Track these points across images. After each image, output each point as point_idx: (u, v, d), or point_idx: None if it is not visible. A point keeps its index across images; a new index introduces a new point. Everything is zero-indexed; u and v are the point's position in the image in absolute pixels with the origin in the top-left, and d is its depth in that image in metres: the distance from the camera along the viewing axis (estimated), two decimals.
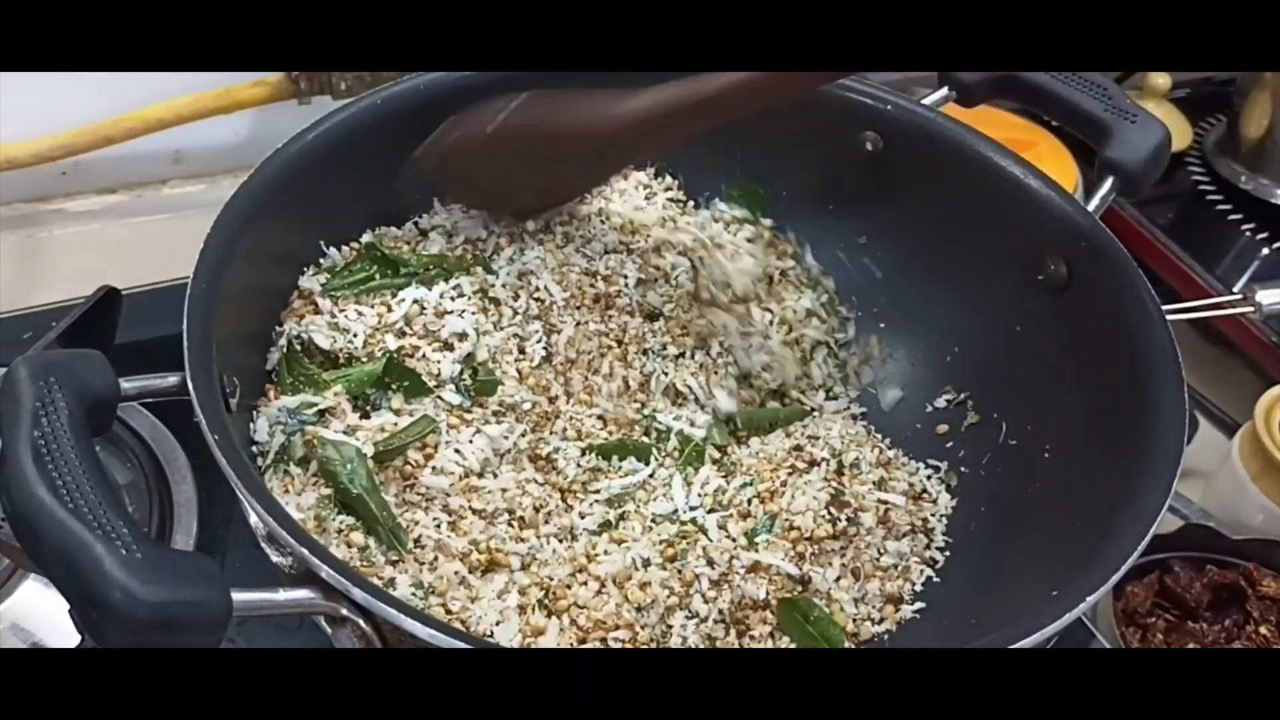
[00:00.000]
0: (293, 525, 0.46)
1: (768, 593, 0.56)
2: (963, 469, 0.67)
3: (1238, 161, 0.99)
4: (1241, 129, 0.99)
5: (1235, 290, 0.84)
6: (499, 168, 0.64)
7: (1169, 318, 0.58)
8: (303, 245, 0.63)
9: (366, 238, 0.66)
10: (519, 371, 0.62)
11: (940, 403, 0.70)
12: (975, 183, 0.67)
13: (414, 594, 0.52)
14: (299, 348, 0.59)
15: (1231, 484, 0.78)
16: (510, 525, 0.57)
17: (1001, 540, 0.62)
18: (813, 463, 0.63)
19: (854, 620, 0.59)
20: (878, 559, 0.61)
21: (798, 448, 0.64)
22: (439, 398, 0.59)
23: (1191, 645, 0.69)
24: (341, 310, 0.61)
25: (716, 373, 0.67)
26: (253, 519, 0.49)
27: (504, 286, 0.64)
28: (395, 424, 0.57)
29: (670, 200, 0.74)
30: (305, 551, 0.44)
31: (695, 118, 0.61)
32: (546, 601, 0.54)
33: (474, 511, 0.56)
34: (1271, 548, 0.72)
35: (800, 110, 0.70)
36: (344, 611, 0.44)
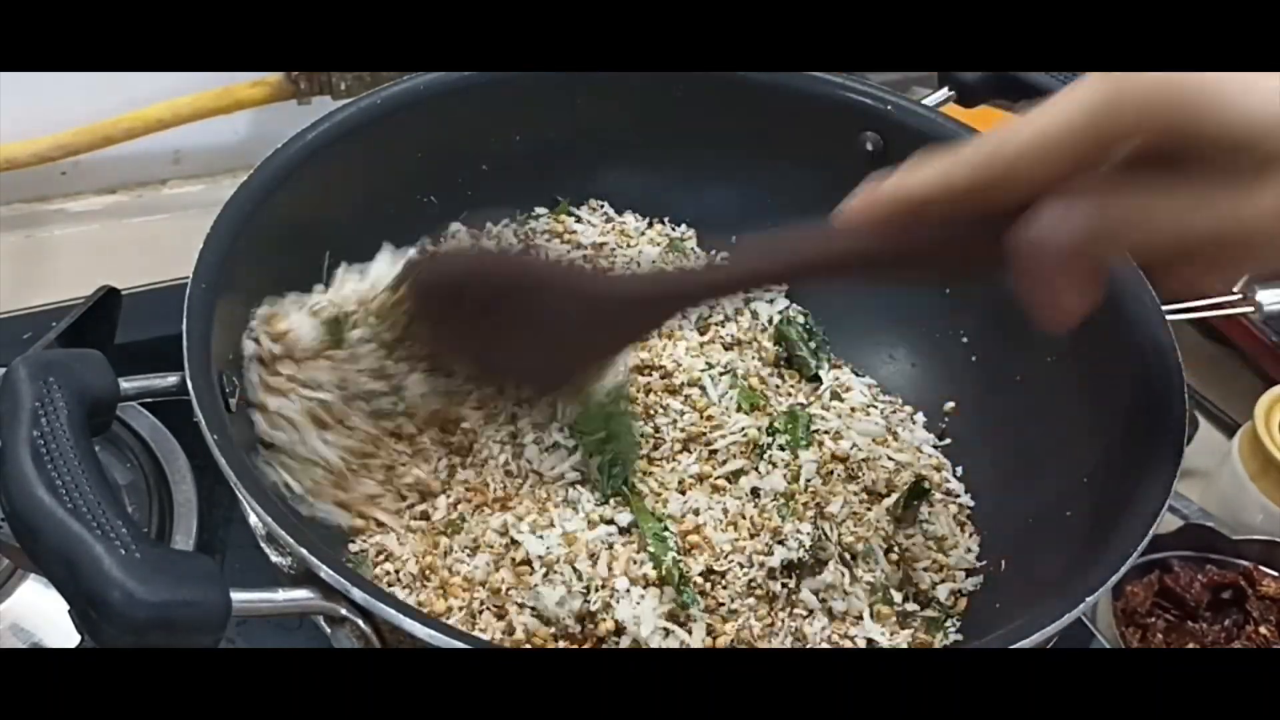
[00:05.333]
0: (292, 525, 0.46)
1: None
2: (960, 469, 0.67)
3: None
4: None
5: (1235, 290, 0.83)
6: (487, 317, 0.53)
7: (1169, 318, 0.58)
8: (302, 245, 0.63)
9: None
10: None
11: (944, 406, 0.70)
12: None
13: None
14: None
15: (1231, 484, 0.78)
16: None
17: (1001, 540, 0.63)
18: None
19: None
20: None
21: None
22: None
23: (1191, 645, 0.69)
24: None
25: None
26: (253, 519, 0.49)
27: None
28: None
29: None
30: (305, 551, 0.44)
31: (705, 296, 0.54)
32: None
33: None
34: (1271, 548, 0.72)
35: (799, 110, 0.70)
36: (343, 611, 0.45)
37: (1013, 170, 0.40)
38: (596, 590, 0.54)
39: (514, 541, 0.56)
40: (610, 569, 0.55)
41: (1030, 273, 0.41)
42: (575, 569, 0.55)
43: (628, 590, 0.55)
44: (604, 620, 0.53)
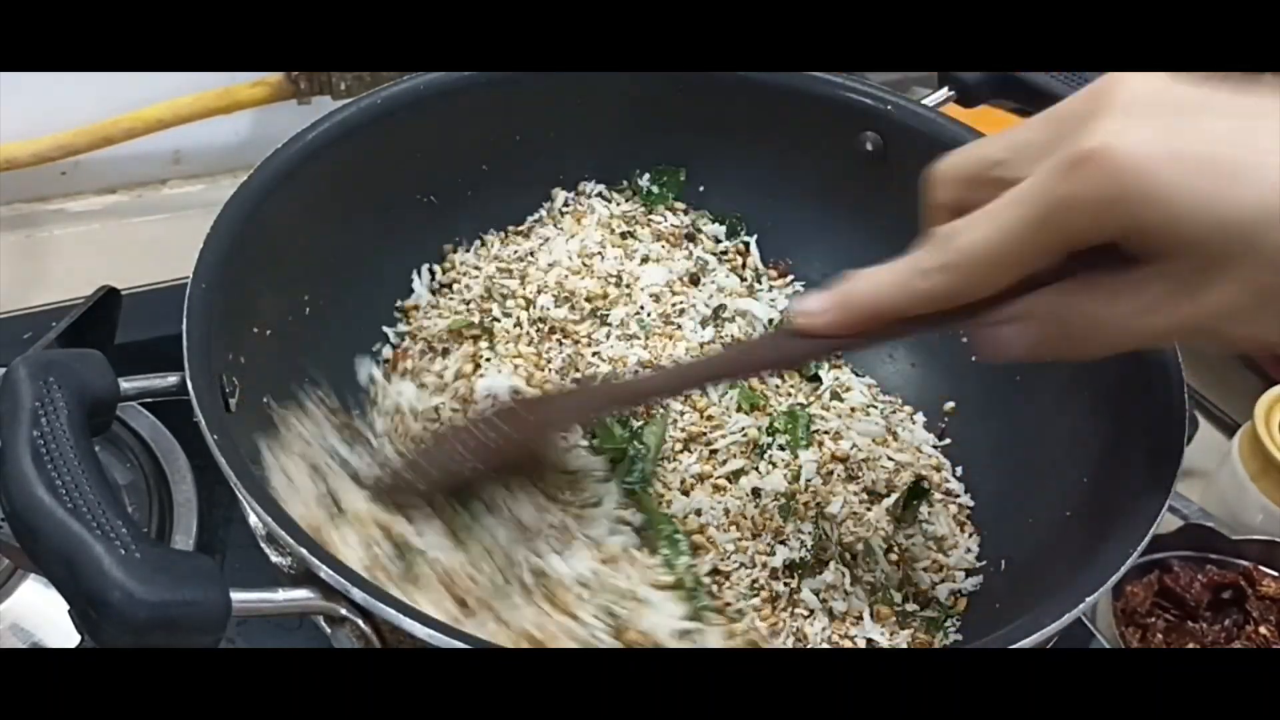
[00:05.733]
0: (292, 525, 0.46)
1: None
2: (959, 469, 0.67)
3: None
4: None
5: None
6: None
7: None
8: (302, 245, 0.63)
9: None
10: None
11: (944, 406, 0.70)
12: None
13: None
14: None
15: (1231, 484, 0.78)
16: None
17: (1001, 540, 0.62)
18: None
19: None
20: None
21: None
22: None
23: (1191, 645, 0.69)
24: None
25: None
26: (253, 519, 0.49)
27: None
28: None
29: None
30: (305, 551, 0.44)
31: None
32: None
33: None
34: (1271, 548, 0.72)
35: (799, 110, 0.70)
36: (343, 611, 0.44)
37: (969, 282, 0.42)
38: (626, 601, 0.54)
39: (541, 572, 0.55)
40: (630, 577, 0.55)
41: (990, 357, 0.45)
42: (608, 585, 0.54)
43: (649, 599, 0.54)
44: (626, 630, 0.53)
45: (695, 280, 0.71)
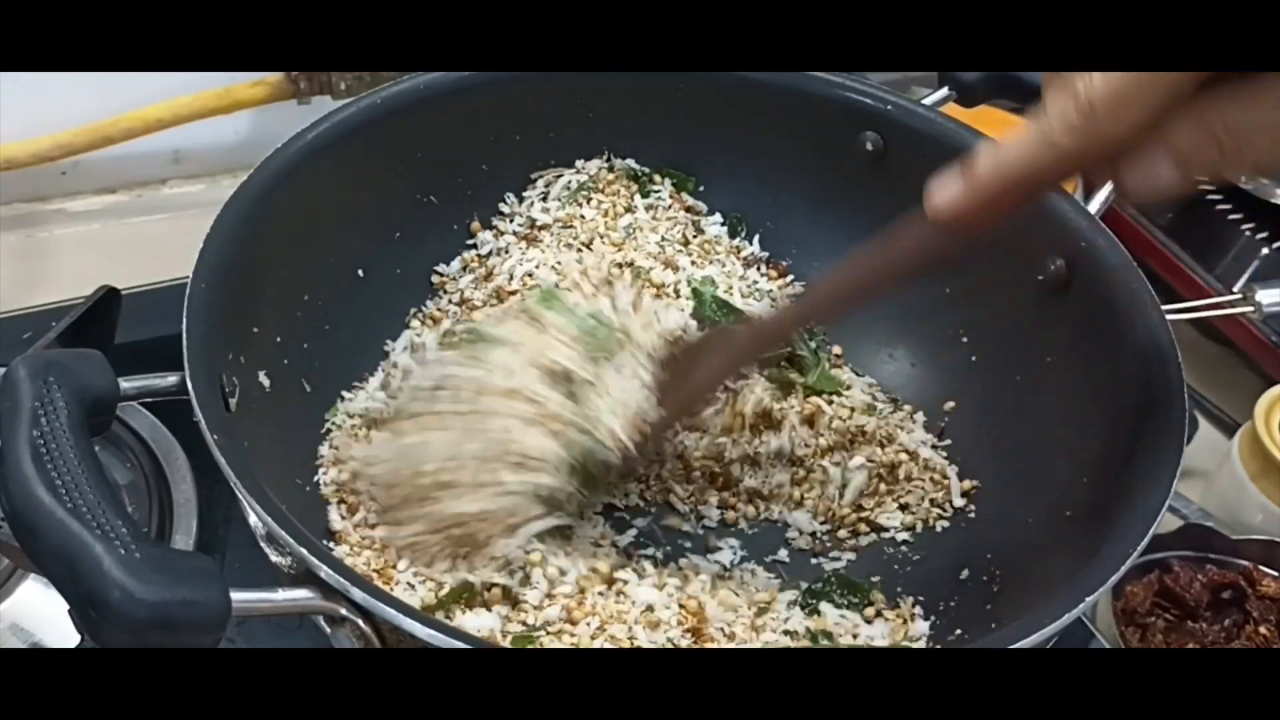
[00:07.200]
0: (292, 525, 0.46)
1: None
2: (959, 469, 0.67)
3: None
4: None
5: (1235, 290, 0.83)
6: None
7: (1169, 318, 0.58)
8: (302, 245, 0.63)
9: None
10: None
11: (944, 406, 0.70)
12: None
13: None
14: None
15: (1231, 484, 0.78)
16: None
17: (1000, 540, 0.62)
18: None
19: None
20: None
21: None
22: None
23: (1191, 645, 0.69)
24: None
25: None
26: (252, 519, 0.49)
27: None
28: None
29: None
30: (304, 551, 0.44)
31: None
32: None
33: None
34: (1271, 548, 0.72)
35: (799, 110, 0.70)
36: (343, 611, 0.45)
37: (1106, 126, 0.40)
38: None
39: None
40: None
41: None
42: None
43: None
44: None
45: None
